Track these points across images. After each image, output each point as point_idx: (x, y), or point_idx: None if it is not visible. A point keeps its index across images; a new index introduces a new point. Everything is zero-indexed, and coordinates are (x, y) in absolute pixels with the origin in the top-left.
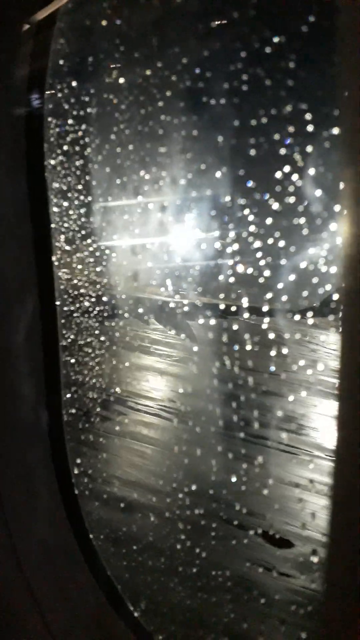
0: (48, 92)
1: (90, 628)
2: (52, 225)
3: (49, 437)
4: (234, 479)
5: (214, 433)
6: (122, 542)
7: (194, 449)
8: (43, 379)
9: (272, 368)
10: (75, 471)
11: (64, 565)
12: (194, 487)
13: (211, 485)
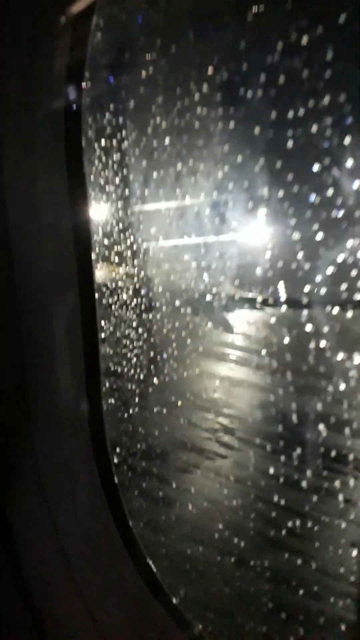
0: (86, 86)
1: (132, 615)
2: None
3: (89, 427)
4: None
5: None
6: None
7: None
8: (84, 370)
9: None
10: (115, 460)
11: (107, 555)
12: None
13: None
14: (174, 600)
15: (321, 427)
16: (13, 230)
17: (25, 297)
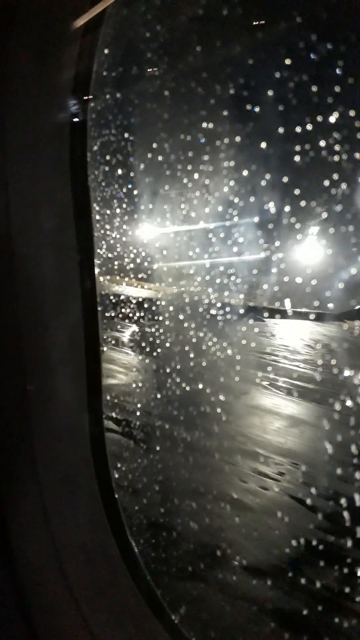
0: (92, 98)
1: (131, 632)
2: (95, 234)
3: (90, 441)
4: None
5: None
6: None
7: None
8: (85, 383)
9: None
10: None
11: (105, 569)
12: None
13: None
14: (174, 618)
15: None
16: (16, 239)
17: (27, 306)
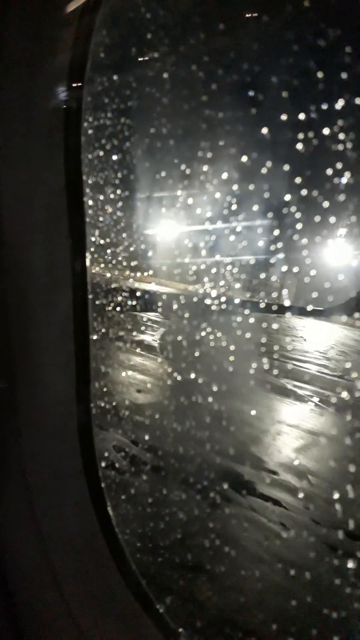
0: (88, 82)
1: (117, 624)
2: (87, 220)
3: (78, 431)
4: None
5: None
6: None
7: None
8: (75, 372)
9: None
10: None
11: (92, 561)
12: None
13: None
14: (160, 610)
15: None
16: (7, 226)
17: (17, 297)
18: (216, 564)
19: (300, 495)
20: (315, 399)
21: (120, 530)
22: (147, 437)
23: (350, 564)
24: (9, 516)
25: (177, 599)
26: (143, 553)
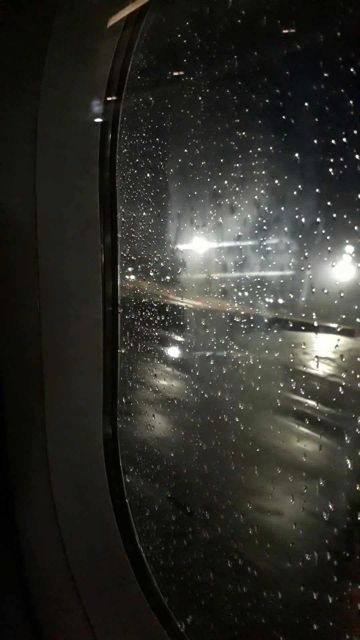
0: (125, 98)
1: (133, 637)
2: (119, 235)
3: (103, 443)
4: None
5: None
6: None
7: None
8: (102, 384)
9: None
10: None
11: (112, 572)
12: None
13: None
14: (182, 628)
15: None
16: (42, 241)
17: (48, 310)
18: (239, 584)
19: None
20: None
21: (143, 546)
22: (172, 455)
23: None
24: (32, 524)
25: (198, 618)
26: (165, 571)
